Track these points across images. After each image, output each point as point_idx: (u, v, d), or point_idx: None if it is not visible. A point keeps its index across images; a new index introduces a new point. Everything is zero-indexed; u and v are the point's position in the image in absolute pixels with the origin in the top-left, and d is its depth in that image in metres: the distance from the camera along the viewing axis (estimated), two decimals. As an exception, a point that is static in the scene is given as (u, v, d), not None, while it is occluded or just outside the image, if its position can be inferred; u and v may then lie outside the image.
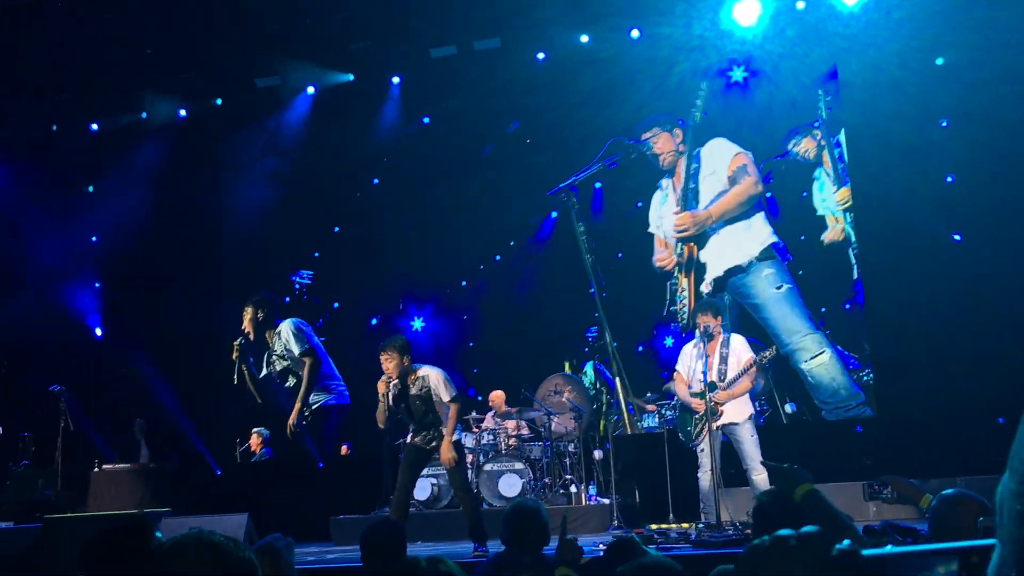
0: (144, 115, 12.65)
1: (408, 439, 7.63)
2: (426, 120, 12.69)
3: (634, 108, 11.57)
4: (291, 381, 9.08)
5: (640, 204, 11.74)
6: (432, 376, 7.36)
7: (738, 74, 11.32)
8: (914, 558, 0.97)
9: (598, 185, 11.88)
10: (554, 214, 12.17)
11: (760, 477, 7.38)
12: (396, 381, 7.31)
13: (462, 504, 7.61)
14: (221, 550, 1.94)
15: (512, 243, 12.44)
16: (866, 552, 0.94)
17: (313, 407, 8.72)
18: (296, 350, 8.83)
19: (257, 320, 8.96)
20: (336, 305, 12.81)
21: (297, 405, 8.56)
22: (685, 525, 8.08)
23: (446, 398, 7.32)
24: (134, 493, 10.31)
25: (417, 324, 12.50)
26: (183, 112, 12.65)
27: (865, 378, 10.90)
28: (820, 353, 10.91)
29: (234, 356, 8.74)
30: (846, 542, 0.94)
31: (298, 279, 12.86)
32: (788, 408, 10.84)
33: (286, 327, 8.92)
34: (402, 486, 7.50)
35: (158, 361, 12.42)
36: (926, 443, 10.01)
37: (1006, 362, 10.01)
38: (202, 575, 1.89)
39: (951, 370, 10.23)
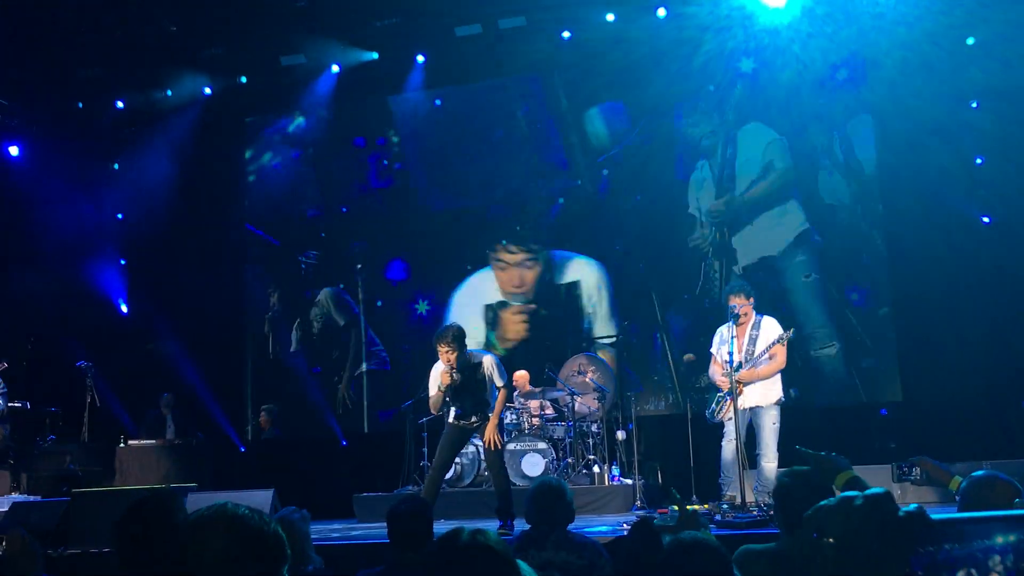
0: (169, 92, 12.67)
1: (451, 419, 7.62)
2: (438, 102, 12.65)
3: (660, 89, 11.48)
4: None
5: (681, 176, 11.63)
6: (487, 362, 7.50)
7: (751, 62, 11.23)
8: (976, 523, 0.96)
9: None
10: (561, 200, 12.13)
11: (770, 465, 7.34)
12: (458, 372, 7.34)
13: (494, 482, 7.66)
14: (246, 523, 1.93)
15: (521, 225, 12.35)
16: (933, 515, 0.93)
17: (359, 372, 8.70)
18: (340, 321, 8.82)
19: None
20: (341, 286, 12.81)
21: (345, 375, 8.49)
22: (706, 506, 8.06)
23: (499, 383, 7.48)
24: (159, 468, 10.43)
25: (422, 307, 12.45)
26: (208, 90, 12.65)
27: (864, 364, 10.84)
28: (830, 345, 10.86)
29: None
30: (913, 505, 0.94)
31: (304, 259, 12.92)
32: (792, 393, 10.78)
33: (325, 296, 8.91)
34: (440, 464, 7.59)
35: (183, 338, 12.51)
36: (952, 427, 9.94)
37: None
38: (225, 548, 1.87)
39: (977, 354, 10.16)
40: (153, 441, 10.93)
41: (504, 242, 12.19)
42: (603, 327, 11.72)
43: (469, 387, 7.44)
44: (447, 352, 7.25)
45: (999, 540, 0.94)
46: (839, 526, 0.94)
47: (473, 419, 7.55)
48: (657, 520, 3.37)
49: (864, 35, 10.81)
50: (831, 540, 0.98)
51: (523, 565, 2.19)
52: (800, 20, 10.96)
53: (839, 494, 3.10)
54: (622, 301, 11.63)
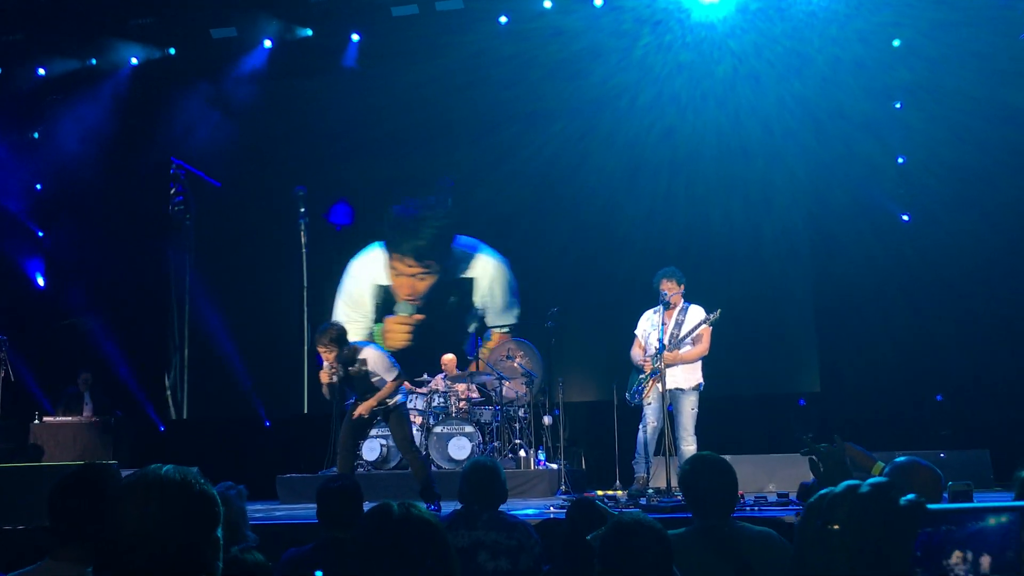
0: (94, 61, 12.31)
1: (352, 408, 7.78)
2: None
3: (599, 80, 11.51)
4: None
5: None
6: (371, 357, 7.63)
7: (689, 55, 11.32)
8: (971, 513, 1.02)
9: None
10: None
11: (690, 448, 7.45)
12: (338, 369, 7.50)
13: (411, 465, 7.69)
14: (173, 485, 1.84)
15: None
16: (930, 506, 0.98)
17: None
18: None
19: None
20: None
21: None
22: (621, 492, 8.16)
23: (389, 378, 7.60)
24: (76, 446, 10.18)
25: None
26: (135, 60, 12.32)
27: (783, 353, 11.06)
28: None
29: None
30: (911, 495, 0.98)
31: None
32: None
33: None
34: (345, 451, 7.74)
35: (103, 313, 12.19)
36: (869, 417, 10.22)
37: (947, 341, 10.26)
38: (152, 514, 1.80)
39: (895, 346, 10.45)
40: (70, 419, 10.65)
41: (401, 253, 12.13)
42: (496, 319, 11.82)
43: (356, 379, 7.60)
44: (326, 352, 7.41)
45: (991, 521, 1.01)
46: (845, 513, 0.97)
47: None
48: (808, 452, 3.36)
49: (798, 31, 10.99)
50: (836, 527, 1.01)
51: (420, 507, 2.18)
52: (734, 15, 11.10)
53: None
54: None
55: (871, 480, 1.02)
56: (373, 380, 7.59)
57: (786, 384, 11.18)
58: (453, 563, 2.11)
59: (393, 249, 12.16)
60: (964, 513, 1.04)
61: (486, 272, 11.95)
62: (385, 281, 12.24)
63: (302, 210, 12.20)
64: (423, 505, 2.14)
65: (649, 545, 2.53)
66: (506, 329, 11.64)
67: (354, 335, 8.59)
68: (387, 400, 7.66)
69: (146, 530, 1.77)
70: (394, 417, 7.80)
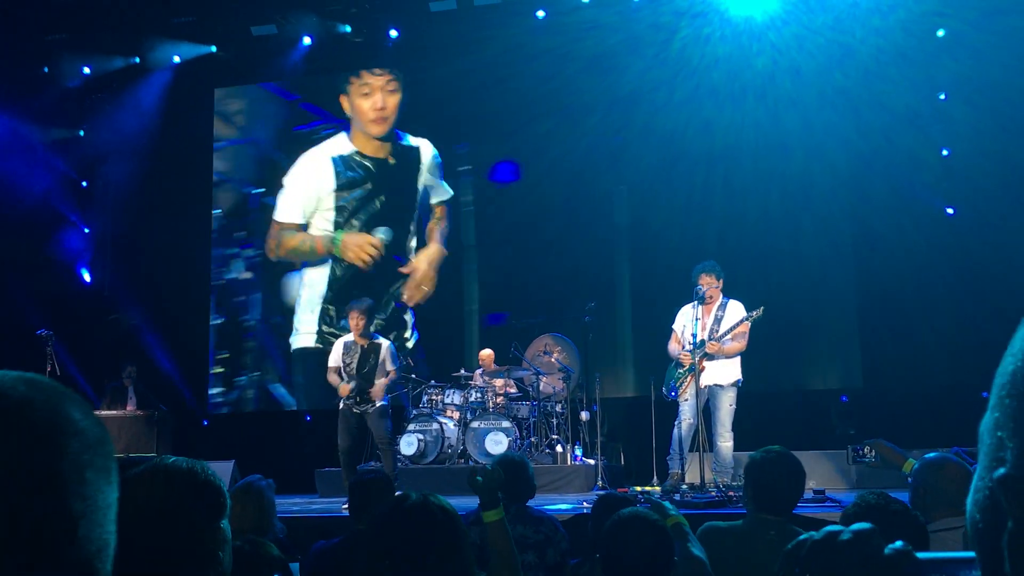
0: (137, 60, 12.49)
1: (343, 405, 8.08)
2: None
3: (637, 74, 11.45)
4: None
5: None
6: (385, 346, 8.03)
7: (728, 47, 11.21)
8: (964, 563, 0.94)
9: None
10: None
11: (726, 444, 7.40)
12: (364, 343, 7.88)
13: (384, 457, 8.12)
14: (183, 473, 1.89)
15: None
16: (920, 555, 0.92)
17: None
18: None
19: None
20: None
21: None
22: (657, 488, 8.11)
23: (390, 368, 8.02)
24: (120, 440, 10.32)
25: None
26: (177, 58, 12.49)
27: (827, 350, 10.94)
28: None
29: None
30: (899, 543, 0.92)
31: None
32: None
33: None
34: (346, 450, 8.05)
35: (148, 309, 12.39)
36: (912, 414, 10.08)
37: (991, 337, 10.04)
38: (161, 499, 1.84)
39: (939, 343, 10.29)
40: (114, 412, 10.82)
41: (370, 69, 12.44)
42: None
43: (365, 370, 7.89)
44: (357, 320, 7.83)
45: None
46: (822, 564, 0.91)
47: (367, 406, 7.96)
48: (859, 459, 3.35)
49: (839, 23, 10.84)
50: None
51: (439, 497, 2.19)
52: (775, 7, 10.97)
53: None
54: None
55: (854, 527, 0.96)
56: (379, 373, 7.94)
57: (828, 380, 11.06)
58: (467, 551, 2.12)
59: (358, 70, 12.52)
60: (956, 563, 0.96)
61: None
62: (348, 148, 12.44)
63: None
64: (442, 497, 2.15)
65: (645, 537, 2.53)
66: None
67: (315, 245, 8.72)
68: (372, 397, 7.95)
69: (149, 515, 1.81)
70: (377, 412, 8.04)
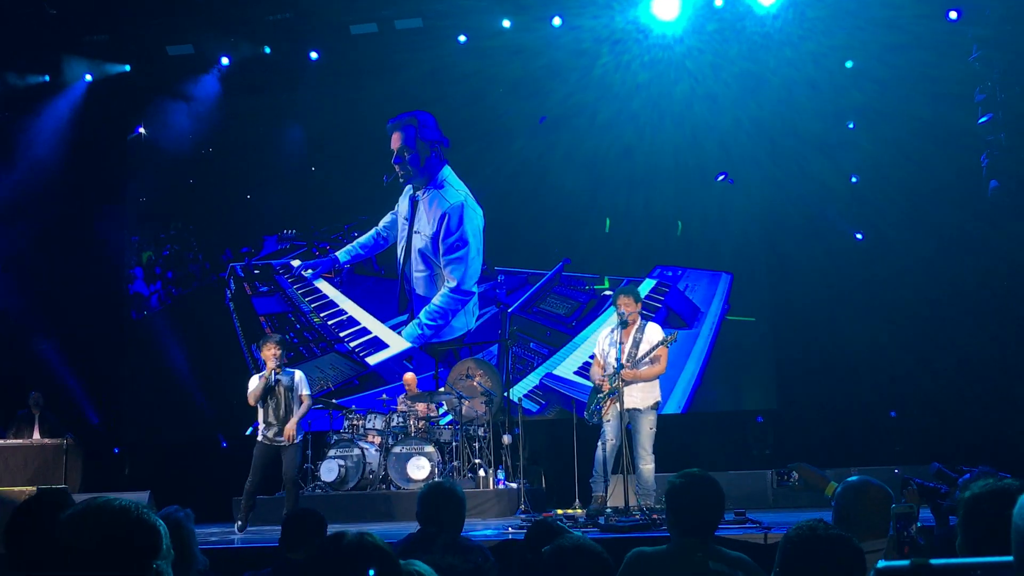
0: (48, 78, 12.16)
1: (260, 437, 8.35)
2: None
3: (559, 99, 11.58)
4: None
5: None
6: (298, 375, 8.44)
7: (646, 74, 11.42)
8: (1004, 567, 0.95)
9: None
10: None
11: (648, 467, 7.46)
12: (278, 373, 8.21)
13: (288, 493, 8.36)
14: (114, 514, 1.85)
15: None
16: (962, 560, 0.92)
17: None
18: None
19: None
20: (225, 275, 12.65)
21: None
22: (580, 511, 8.17)
23: (305, 393, 8.39)
24: (27, 469, 9.97)
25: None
26: (89, 77, 12.19)
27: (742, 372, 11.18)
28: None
29: None
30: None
31: None
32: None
33: None
34: (256, 483, 8.37)
35: (56, 334, 12.00)
36: (824, 434, 10.34)
37: (899, 358, 10.41)
38: (92, 540, 1.80)
39: (850, 364, 10.58)
40: (21, 441, 10.44)
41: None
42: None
43: (283, 400, 8.21)
44: (275, 352, 8.15)
45: None
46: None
47: (277, 430, 8.24)
48: (784, 482, 3.36)
49: (753, 52, 11.13)
50: None
51: (420, 565, 2.17)
52: (691, 35, 11.22)
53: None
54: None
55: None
56: (293, 401, 8.27)
57: (744, 401, 11.27)
58: None
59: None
60: (998, 567, 0.98)
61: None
62: None
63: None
64: (378, 534, 2.13)
65: (588, 567, 2.54)
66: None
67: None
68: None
69: (80, 557, 1.77)
70: (292, 449, 8.31)
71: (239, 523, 8.39)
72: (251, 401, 8.26)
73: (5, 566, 2.85)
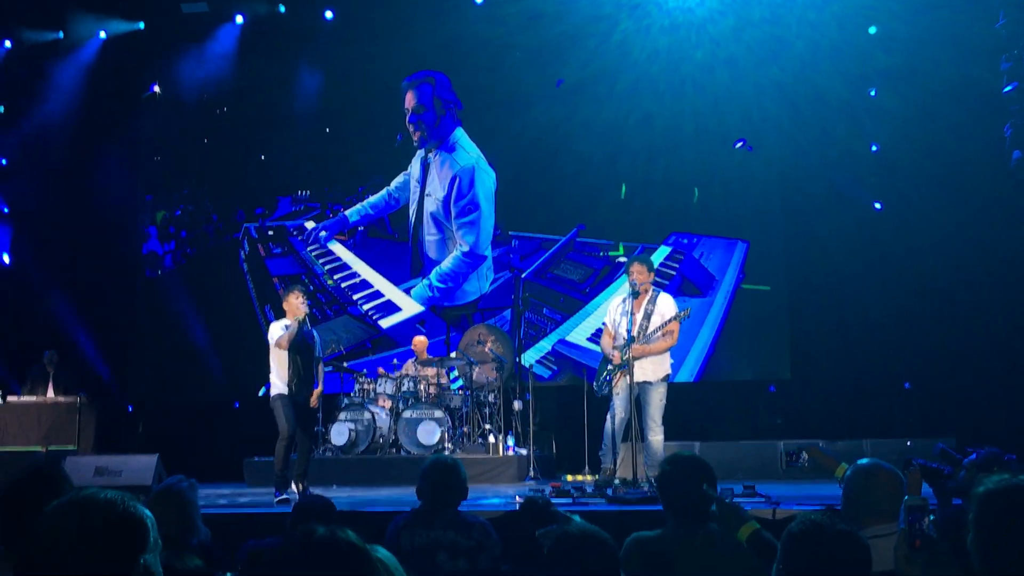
0: (61, 35, 12.08)
1: (287, 392, 7.73)
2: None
3: (578, 65, 11.40)
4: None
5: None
6: (314, 333, 8.02)
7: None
8: None
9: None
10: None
11: (657, 438, 7.39)
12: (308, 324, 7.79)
13: (302, 457, 7.90)
14: (99, 507, 1.81)
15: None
16: None
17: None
18: None
19: None
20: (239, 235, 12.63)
21: None
22: (590, 477, 8.17)
23: (317, 355, 7.97)
24: (40, 427, 10.02)
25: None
26: (103, 34, 12.10)
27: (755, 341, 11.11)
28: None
29: None
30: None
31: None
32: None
33: None
34: (293, 436, 7.75)
35: (72, 291, 12.03)
36: (837, 405, 10.26)
37: (916, 328, 10.29)
38: (75, 534, 1.76)
39: (864, 335, 10.47)
40: (35, 399, 10.50)
41: None
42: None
43: (310, 353, 7.81)
44: (304, 298, 7.75)
45: None
46: None
47: (305, 395, 7.79)
48: (792, 463, 3.32)
49: (776, 16, 10.92)
50: None
51: (381, 550, 2.10)
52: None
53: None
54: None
55: None
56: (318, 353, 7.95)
57: (756, 371, 11.19)
58: None
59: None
60: None
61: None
62: None
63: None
64: (350, 530, 2.05)
65: (594, 557, 2.49)
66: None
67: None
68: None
69: (63, 551, 1.73)
70: (313, 410, 8.09)
71: (288, 492, 7.58)
72: (283, 345, 7.66)
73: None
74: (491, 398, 10.18)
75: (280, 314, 7.98)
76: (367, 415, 9.78)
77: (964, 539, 2.31)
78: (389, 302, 12.06)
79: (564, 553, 2.51)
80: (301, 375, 7.70)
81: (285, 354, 7.68)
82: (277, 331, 7.77)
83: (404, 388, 10.13)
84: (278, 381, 7.75)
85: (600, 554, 2.50)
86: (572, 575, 2.48)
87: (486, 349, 10.27)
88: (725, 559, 3.22)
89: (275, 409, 7.71)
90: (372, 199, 12.25)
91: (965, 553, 2.33)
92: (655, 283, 7.89)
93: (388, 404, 10.13)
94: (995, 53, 10.10)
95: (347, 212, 12.30)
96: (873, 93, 10.75)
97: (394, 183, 12.18)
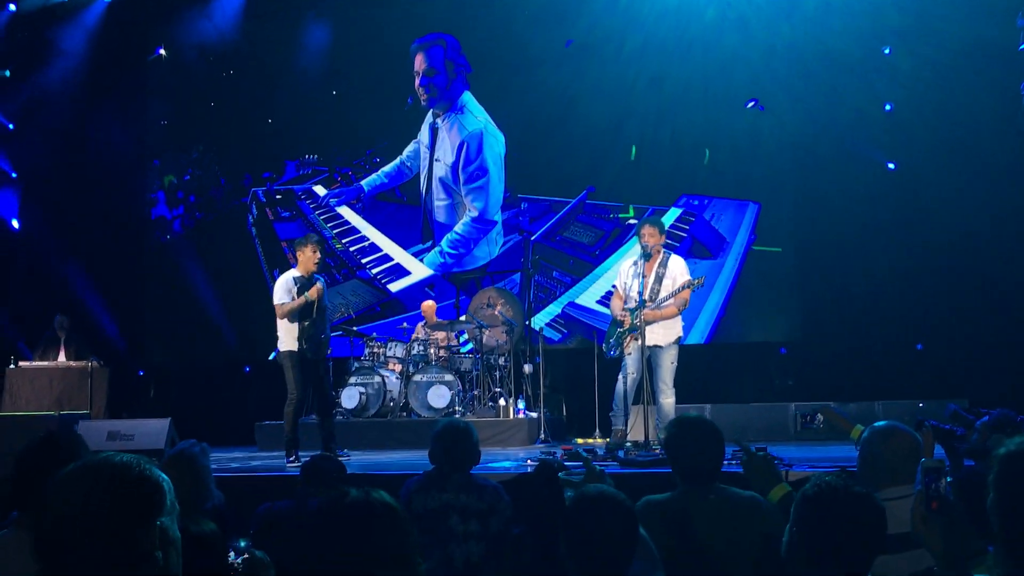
0: (66, -3, 11.99)
1: (297, 349, 7.48)
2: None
3: (586, 26, 11.27)
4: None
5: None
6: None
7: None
8: None
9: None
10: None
11: (669, 400, 7.36)
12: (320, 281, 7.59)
13: (325, 421, 7.82)
14: (113, 470, 1.79)
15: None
16: None
17: None
18: None
19: None
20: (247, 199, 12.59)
21: None
22: (601, 440, 8.16)
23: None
24: (52, 392, 10.07)
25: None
26: (108, -5, 12.02)
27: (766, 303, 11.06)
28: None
29: None
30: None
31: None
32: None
33: None
34: (304, 399, 7.71)
35: (81, 256, 12.03)
36: (848, 366, 10.23)
37: (928, 290, 10.23)
38: (89, 497, 1.74)
39: (876, 296, 10.42)
40: (47, 363, 10.53)
41: None
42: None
43: (324, 310, 7.64)
44: (315, 254, 7.48)
45: None
46: None
47: (320, 354, 7.62)
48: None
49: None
50: None
51: (383, 494, 2.09)
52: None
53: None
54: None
55: None
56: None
57: (768, 332, 11.15)
58: (411, 546, 2.03)
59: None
60: None
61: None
62: None
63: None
64: (384, 492, 2.05)
65: (613, 518, 2.48)
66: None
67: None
68: None
69: (76, 516, 1.72)
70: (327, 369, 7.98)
71: (292, 459, 7.41)
72: (298, 303, 7.38)
73: (16, 496, 2.85)
74: (501, 361, 10.17)
75: None
76: (377, 379, 9.79)
77: (977, 501, 2.29)
78: (398, 266, 12.04)
79: (581, 514, 2.49)
80: (310, 333, 7.45)
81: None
82: (283, 287, 7.53)
83: (414, 352, 10.13)
84: (286, 336, 7.51)
85: (617, 515, 2.48)
86: (592, 535, 2.46)
87: (496, 312, 10.25)
88: (737, 520, 3.21)
89: (284, 368, 7.55)
90: (385, 168, 12.20)
91: (978, 514, 2.31)
92: (666, 245, 7.83)
93: (398, 368, 10.14)
94: (1011, 10, 9.91)
95: (362, 182, 12.26)
96: (887, 51, 10.60)
97: (406, 152, 12.11)
